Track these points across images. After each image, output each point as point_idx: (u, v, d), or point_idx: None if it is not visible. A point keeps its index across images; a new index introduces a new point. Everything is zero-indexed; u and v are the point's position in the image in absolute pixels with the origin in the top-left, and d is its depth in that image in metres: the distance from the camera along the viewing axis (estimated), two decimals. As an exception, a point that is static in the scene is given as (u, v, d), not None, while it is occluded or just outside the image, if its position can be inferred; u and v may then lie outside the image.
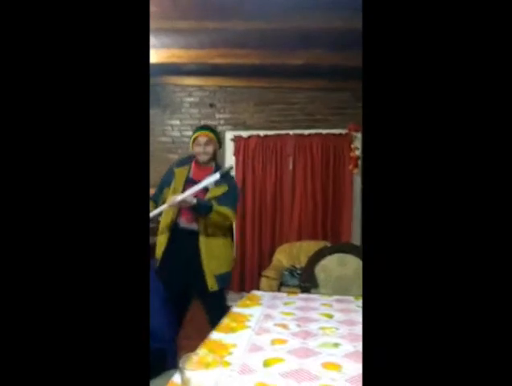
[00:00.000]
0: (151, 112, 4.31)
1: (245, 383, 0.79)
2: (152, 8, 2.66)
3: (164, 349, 1.29)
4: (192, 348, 0.82)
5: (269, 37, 3.06)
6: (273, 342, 1.03)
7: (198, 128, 2.15)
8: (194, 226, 1.96)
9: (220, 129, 4.20)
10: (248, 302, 1.43)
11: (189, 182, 1.99)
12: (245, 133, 4.07)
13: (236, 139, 4.07)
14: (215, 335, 1.07)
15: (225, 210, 1.94)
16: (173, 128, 4.33)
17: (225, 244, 2.04)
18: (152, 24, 2.82)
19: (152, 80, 4.17)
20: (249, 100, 4.17)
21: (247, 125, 4.16)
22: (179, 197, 1.83)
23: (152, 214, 1.90)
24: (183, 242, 1.96)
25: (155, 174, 4.42)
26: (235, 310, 1.33)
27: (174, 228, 1.99)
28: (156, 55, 3.39)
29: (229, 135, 4.18)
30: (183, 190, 1.94)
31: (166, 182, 2.09)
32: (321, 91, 4.02)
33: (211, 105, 4.22)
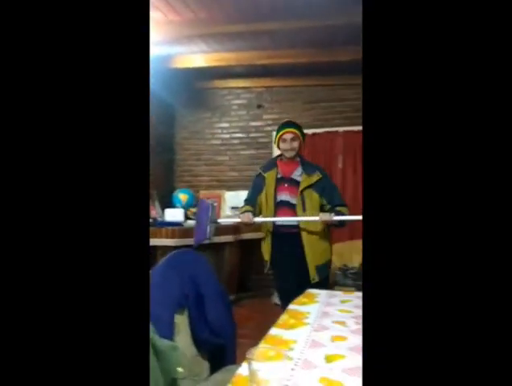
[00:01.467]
0: (201, 115, 4.43)
1: (309, 377, 0.80)
2: (200, 15, 2.74)
3: (224, 344, 1.32)
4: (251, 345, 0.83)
5: (316, 35, 3.05)
6: (333, 338, 1.03)
7: (282, 125, 2.23)
8: (293, 222, 2.13)
9: (268, 129, 4.24)
10: (304, 300, 1.44)
11: (280, 182, 2.16)
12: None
13: (284, 139, 4.08)
14: (274, 331, 1.09)
15: (344, 209, 2.13)
16: (222, 130, 4.42)
17: (322, 235, 2.16)
18: (200, 30, 2.92)
19: (201, 84, 4.30)
20: (297, 99, 4.17)
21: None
22: (335, 218, 2.04)
23: (264, 220, 2.17)
24: (287, 238, 2.13)
25: (207, 178, 4.53)
26: (292, 307, 1.35)
27: (274, 229, 2.19)
28: (205, 60, 3.49)
29: (277, 135, 4.20)
30: (275, 190, 2.15)
31: (258, 187, 2.25)
32: (370, 86, 3.93)
33: (259, 106, 4.27)
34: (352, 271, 3.05)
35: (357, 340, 1.02)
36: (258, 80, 4.19)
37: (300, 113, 4.15)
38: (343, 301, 1.42)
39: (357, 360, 0.89)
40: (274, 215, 2.15)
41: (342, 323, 1.16)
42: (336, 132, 3.96)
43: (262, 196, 2.20)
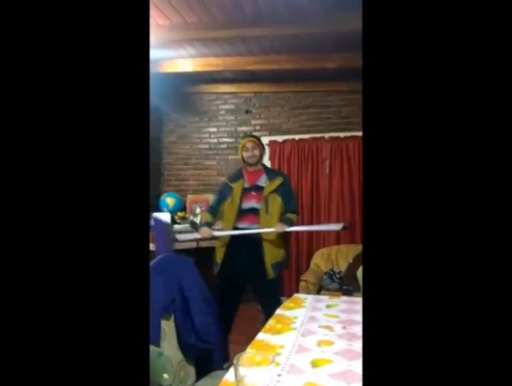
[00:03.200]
0: (188, 120, 4.42)
1: (295, 382, 0.81)
2: (188, 19, 2.75)
3: (211, 349, 1.32)
4: (240, 350, 0.84)
5: (303, 42, 3.08)
6: (319, 343, 1.04)
7: (243, 137, 2.52)
8: (254, 226, 2.26)
9: (256, 134, 4.25)
10: (292, 305, 1.44)
11: (246, 191, 2.33)
12: (280, 138, 4.09)
13: (270, 144, 4.10)
14: (261, 336, 1.09)
15: (294, 217, 2.32)
16: (210, 135, 4.42)
17: (277, 238, 2.31)
18: (189, 34, 2.92)
19: (189, 89, 4.30)
20: (285, 105, 4.20)
21: (283, 130, 4.18)
22: (288, 229, 2.26)
23: (223, 234, 2.30)
24: (245, 240, 2.24)
25: (194, 182, 4.51)
26: (279, 312, 1.35)
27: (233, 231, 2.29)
28: (192, 65, 3.49)
29: (264, 140, 4.21)
30: (241, 199, 2.30)
31: (223, 196, 2.42)
32: (356, 93, 3.98)
33: (247, 112, 4.28)
34: (338, 275, 3.07)
35: (344, 345, 1.03)
36: (246, 86, 4.21)
37: (287, 119, 4.17)
38: (329, 306, 1.43)
39: (343, 365, 0.90)
40: (237, 222, 2.28)
41: (329, 328, 1.17)
42: (322, 138, 3.99)
43: (226, 204, 2.34)
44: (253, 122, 4.30)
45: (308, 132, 4.04)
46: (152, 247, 2.61)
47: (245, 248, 2.25)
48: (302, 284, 3.01)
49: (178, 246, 2.74)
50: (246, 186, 2.35)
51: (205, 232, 2.32)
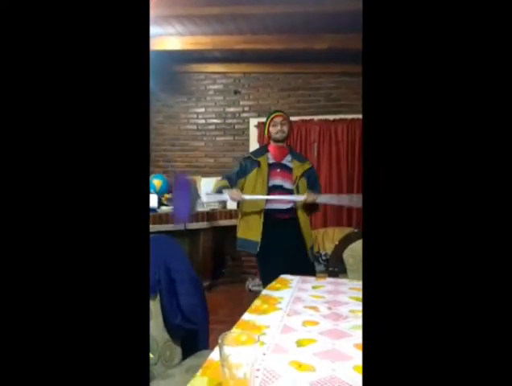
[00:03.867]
0: (176, 100, 4.35)
1: (280, 361, 0.81)
2: (177, -5, 2.68)
3: (197, 330, 1.32)
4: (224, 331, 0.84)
5: (294, 22, 3.03)
6: (304, 323, 1.05)
7: (272, 111, 2.41)
8: (287, 206, 2.20)
9: (244, 115, 4.21)
10: (278, 285, 1.45)
11: (272, 167, 2.24)
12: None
13: (259, 125, 4.07)
14: (247, 316, 1.09)
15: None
16: (198, 115, 4.36)
17: (308, 221, 2.30)
18: (177, 11, 2.84)
19: (177, 68, 4.22)
20: (274, 86, 4.15)
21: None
22: (320, 198, 2.17)
23: (254, 197, 2.18)
24: (282, 222, 2.19)
25: (181, 163, 4.47)
26: (265, 292, 1.36)
27: (265, 212, 2.21)
28: (181, 43, 3.41)
29: (253, 122, 4.18)
30: (268, 175, 2.21)
31: (243, 170, 2.29)
32: (346, 75, 3.96)
33: (235, 92, 4.23)
34: (324, 257, 3.10)
35: (329, 325, 1.04)
36: (235, 66, 4.14)
37: (277, 100, 4.14)
38: (315, 287, 1.44)
39: (327, 344, 0.91)
40: (267, 199, 2.20)
41: (314, 308, 1.18)
42: (312, 120, 3.97)
43: (250, 178, 2.23)
44: (241, 103, 4.25)
45: (298, 114, 4.01)
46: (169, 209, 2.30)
47: (283, 231, 2.18)
48: (289, 266, 3.03)
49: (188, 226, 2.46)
50: (271, 162, 2.27)
51: (235, 193, 2.15)
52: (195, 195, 2.11)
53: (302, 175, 2.21)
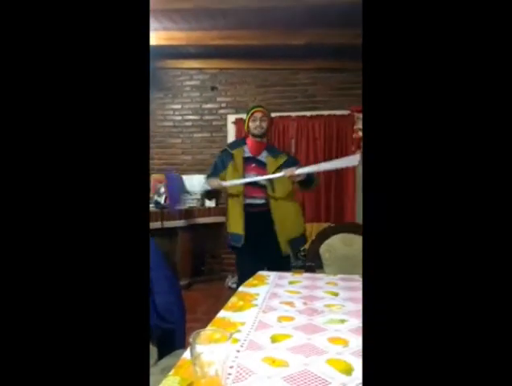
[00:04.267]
0: (152, 96, 4.28)
1: (254, 358, 0.81)
2: (150, -11, 2.63)
3: (173, 329, 1.31)
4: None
5: (270, 17, 3.02)
6: (280, 319, 1.05)
7: (252, 107, 2.39)
8: (261, 200, 2.20)
9: (222, 112, 4.19)
10: (255, 282, 1.45)
11: (247, 161, 2.25)
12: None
13: (236, 122, 4.05)
14: (223, 314, 1.09)
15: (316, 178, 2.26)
16: (174, 112, 4.31)
17: (295, 208, 2.28)
18: (152, 5, 2.79)
19: (152, 64, 4.14)
20: (252, 82, 4.14)
21: (249, 108, 4.13)
22: (298, 170, 2.07)
23: (233, 183, 2.18)
24: (257, 216, 2.19)
25: (158, 161, 4.41)
26: (242, 289, 1.35)
27: (244, 205, 2.22)
28: (156, 38, 3.35)
29: (230, 118, 4.16)
30: (244, 168, 2.21)
31: (221, 164, 2.30)
32: (323, 71, 3.98)
33: (212, 88, 4.19)
34: (302, 253, 3.12)
35: (304, 320, 1.04)
36: (211, 62, 4.10)
37: (254, 97, 4.12)
38: (292, 283, 1.45)
39: (302, 339, 0.91)
40: (243, 193, 2.20)
41: (290, 304, 1.18)
42: (289, 116, 3.98)
43: (228, 172, 2.24)
44: (218, 99, 4.22)
45: (275, 110, 4.00)
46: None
47: (257, 224, 2.19)
48: (267, 262, 3.03)
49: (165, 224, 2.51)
50: (247, 155, 2.27)
51: (214, 181, 2.20)
52: (183, 187, 2.32)
53: (277, 170, 2.20)
